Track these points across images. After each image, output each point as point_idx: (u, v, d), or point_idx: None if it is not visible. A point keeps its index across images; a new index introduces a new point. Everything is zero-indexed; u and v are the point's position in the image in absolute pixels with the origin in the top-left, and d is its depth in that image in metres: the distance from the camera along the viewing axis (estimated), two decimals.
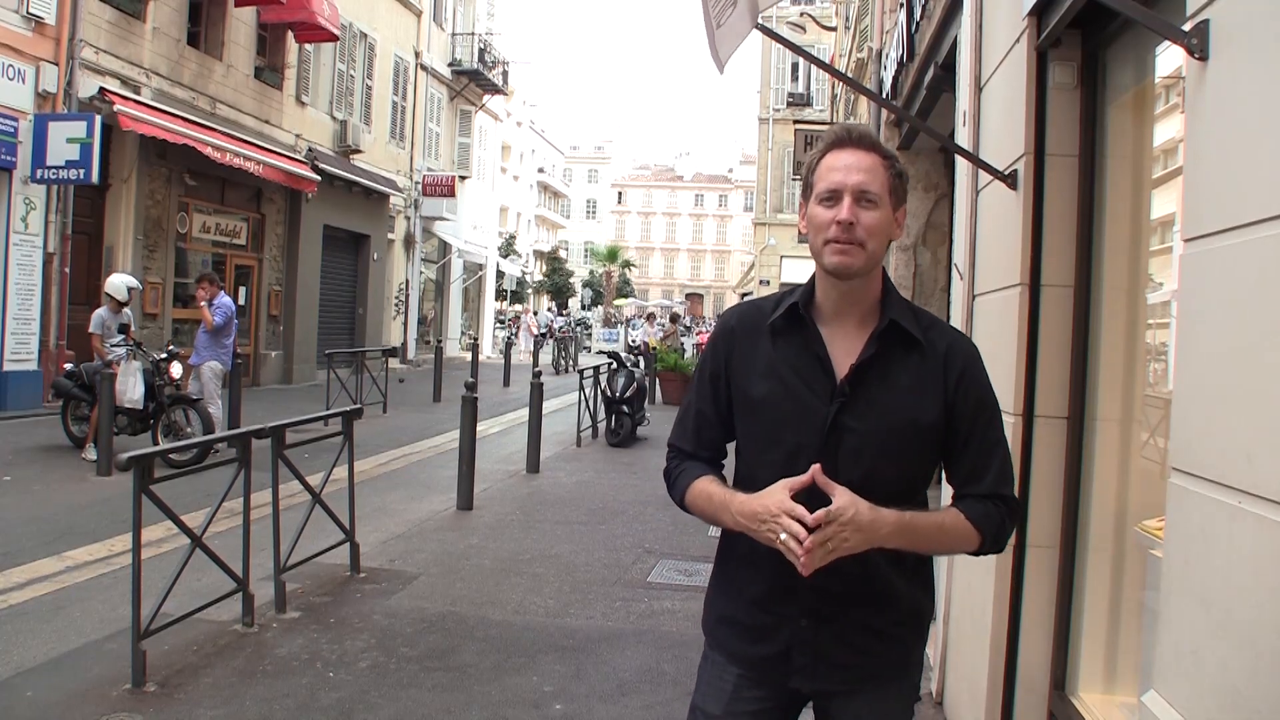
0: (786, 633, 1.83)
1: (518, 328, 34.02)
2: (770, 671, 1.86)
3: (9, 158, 11.87)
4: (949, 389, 1.83)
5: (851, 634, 1.82)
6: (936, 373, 1.83)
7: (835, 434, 1.78)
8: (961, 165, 4.42)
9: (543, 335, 31.91)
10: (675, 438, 2.02)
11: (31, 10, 12.02)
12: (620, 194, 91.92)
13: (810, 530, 1.66)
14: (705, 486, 1.91)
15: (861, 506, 1.68)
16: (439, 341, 21.66)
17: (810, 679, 1.83)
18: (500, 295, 37.36)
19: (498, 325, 35.96)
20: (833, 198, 1.79)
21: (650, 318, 24.48)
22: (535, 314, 43.92)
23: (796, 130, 19.81)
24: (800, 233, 1.93)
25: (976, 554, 1.87)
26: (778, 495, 1.72)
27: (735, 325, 1.95)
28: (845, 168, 1.79)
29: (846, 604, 1.80)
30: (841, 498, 1.68)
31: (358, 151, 20.91)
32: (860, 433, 1.78)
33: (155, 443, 9.01)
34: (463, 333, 30.28)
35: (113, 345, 9.45)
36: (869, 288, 1.85)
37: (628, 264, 51.66)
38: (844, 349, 1.83)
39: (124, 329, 9.61)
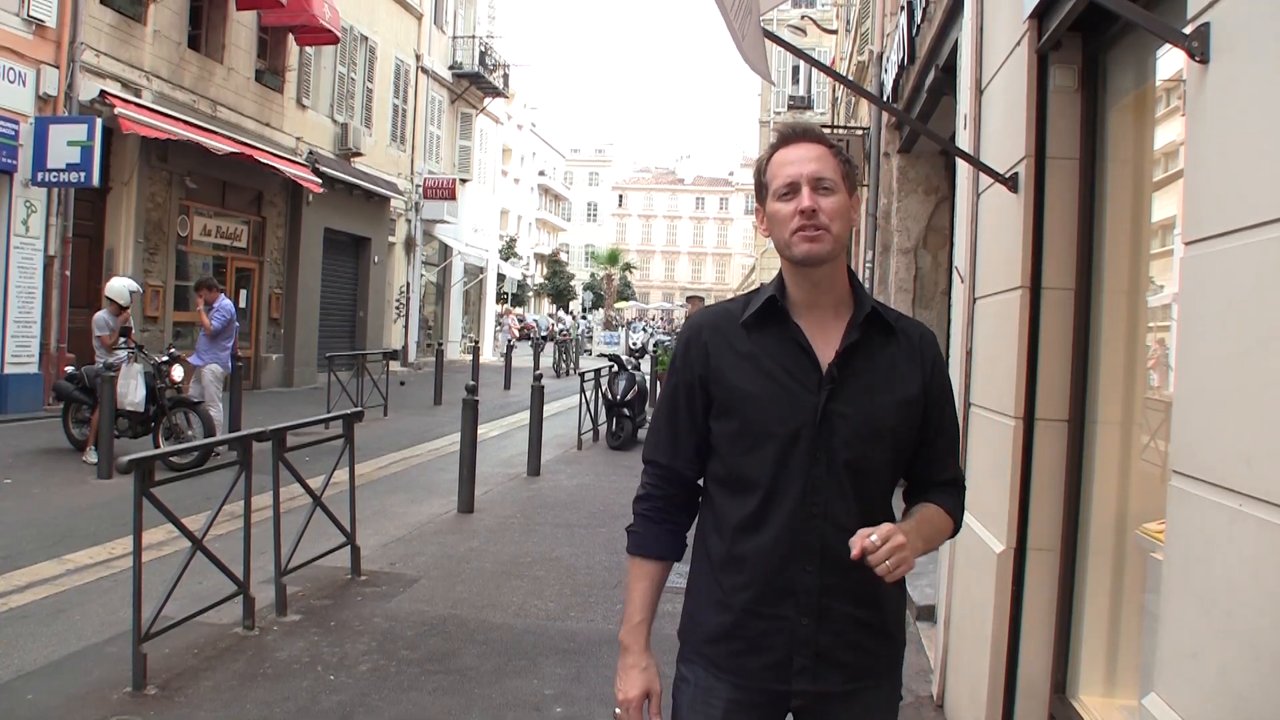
0: (786, 636, 1.80)
1: (516, 330, 33.78)
2: (768, 681, 1.82)
3: (10, 161, 11.88)
4: (925, 376, 1.88)
5: (850, 631, 1.81)
6: (914, 359, 1.87)
7: (826, 422, 1.78)
8: (962, 168, 4.42)
9: (544, 338, 31.84)
10: (651, 451, 1.98)
11: (32, 13, 12.04)
12: (621, 197, 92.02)
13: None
14: (636, 580, 1.97)
15: (903, 529, 1.69)
16: (440, 344, 21.67)
17: (812, 680, 1.81)
18: (501, 298, 37.37)
19: (498, 328, 35.98)
20: (791, 190, 1.81)
21: None
22: (525, 317, 43.89)
23: None
24: (763, 235, 1.95)
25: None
26: (635, 694, 1.89)
27: (705, 329, 1.92)
28: (798, 160, 1.82)
29: (846, 600, 1.80)
30: (878, 529, 1.66)
31: (358, 154, 20.92)
32: (851, 418, 1.79)
33: (156, 445, 9.01)
34: (463, 335, 30.28)
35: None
36: (837, 278, 1.87)
37: (628, 267, 51.71)
38: (823, 339, 1.83)
39: (125, 332, 9.61)
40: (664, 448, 1.96)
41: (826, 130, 15.77)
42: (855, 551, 1.64)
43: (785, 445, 1.79)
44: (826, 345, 1.82)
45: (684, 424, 1.93)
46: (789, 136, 1.87)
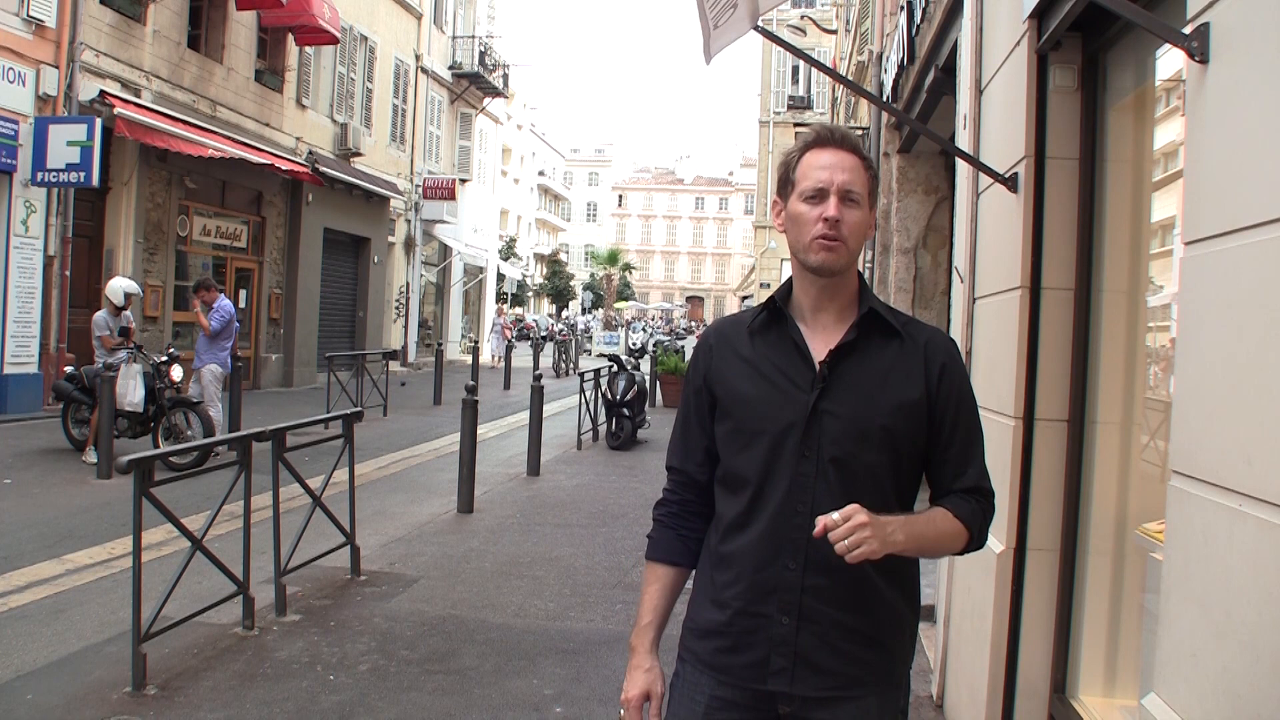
0: (766, 635, 1.80)
1: (512, 331, 33.47)
2: (748, 680, 1.82)
3: (9, 160, 11.88)
4: (930, 382, 1.83)
5: (834, 636, 1.78)
6: (917, 364, 1.84)
7: (816, 421, 1.78)
8: (962, 168, 4.43)
9: (544, 338, 31.80)
10: (671, 457, 2.02)
11: (32, 13, 12.04)
12: (621, 197, 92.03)
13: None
14: (648, 583, 1.99)
15: (869, 512, 1.65)
16: (439, 344, 21.68)
17: (789, 683, 1.79)
18: (500, 298, 37.33)
19: (492, 331, 35.91)
20: (818, 195, 1.80)
21: None
22: (524, 317, 43.79)
23: (797, 133, 19.82)
24: (778, 229, 1.94)
25: (962, 552, 1.88)
26: (635, 695, 1.90)
27: (713, 336, 1.97)
28: (830, 166, 1.80)
29: (829, 603, 1.78)
30: (849, 506, 1.65)
31: (358, 154, 20.92)
32: (842, 419, 1.78)
33: (156, 445, 9.01)
34: (463, 336, 30.28)
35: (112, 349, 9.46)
36: (846, 285, 1.87)
37: (628, 267, 51.56)
38: (823, 341, 1.84)
39: (124, 332, 9.61)
40: (677, 452, 2.00)
41: None
42: (818, 529, 1.64)
43: (775, 442, 1.80)
44: (825, 346, 1.82)
45: (695, 428, 1.96)
46: (826, 139, 1.85)
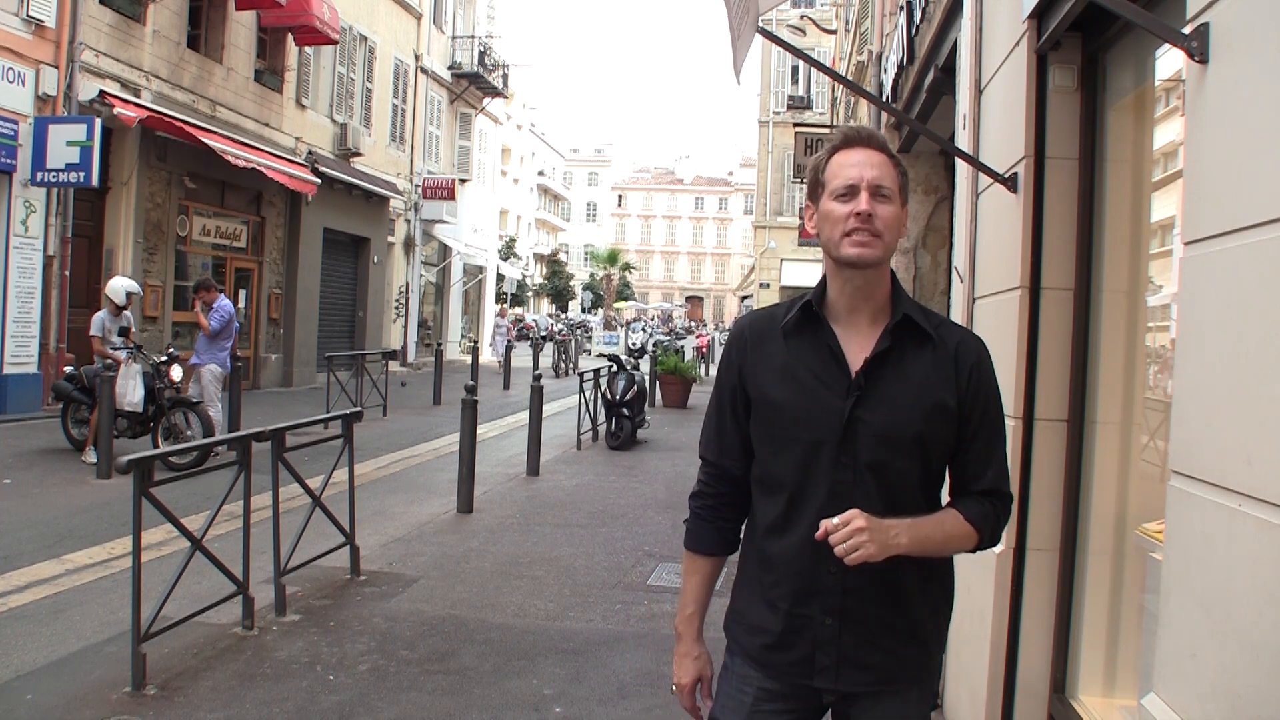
0: (811, 635, 1.85)
1: (514, 331, 33.36)
2: (794, 676, 1.88)
3: (9, 160, 11.87)
4: (960, 385, 1.86)
5: (875, 634, 1.84)
6: (948, 368, 1.86)
7: (851, 428, 1.81)
8: (961, 168, 4.42)
9: (544, 338, 31.75)
10: (703, 448, 2.06)
11: (31, 13, 12.03)
12: (620, 197, 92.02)
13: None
14: (689, 573, 2.06)
15: (868, 516, 1.72)
16: (439, 344, 21.67)
17: (833, 680, 1.85)
18: (500, 298, 37.32)
19: (495, 330, 35.90)
20: (849, 192, 1.82)
21: None
22: (524, 317, 43.79)
23: (796, 133, 19.76)
24: (802, 235, 1.96)
25: (973, 551, 1.92)
26: (688, 680, 2.02)
27: (747, 331, 1.98)
28: (860, 163, 1.84)
29: (870, 602, 1.82)
30: (848, 511, 1.72)
31: (358, 154, 20.91)
32: (876, 426, 1.81)
33: (155, 445, 9.01)
34: (463, 335, 30.27)
35: (112, 349, 9.46)
36: (880, 283, 1.88)
37: (628, 267, 51.52)
38: (857, 345, 1.86)
39: (124, 332, 9.61)
40: (712, 445, 2.03)
41: (826, 130, 15.72)
42: (819, 533, 1.72)
43: (811, 450, 1.83)
44: (860, 352, 1.85)
45: (728, 422, 1.99)
46: (854, 139, 1.88)
